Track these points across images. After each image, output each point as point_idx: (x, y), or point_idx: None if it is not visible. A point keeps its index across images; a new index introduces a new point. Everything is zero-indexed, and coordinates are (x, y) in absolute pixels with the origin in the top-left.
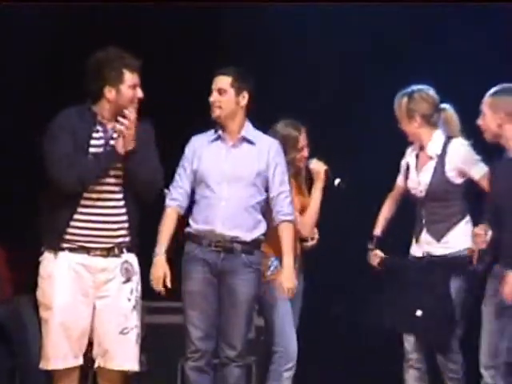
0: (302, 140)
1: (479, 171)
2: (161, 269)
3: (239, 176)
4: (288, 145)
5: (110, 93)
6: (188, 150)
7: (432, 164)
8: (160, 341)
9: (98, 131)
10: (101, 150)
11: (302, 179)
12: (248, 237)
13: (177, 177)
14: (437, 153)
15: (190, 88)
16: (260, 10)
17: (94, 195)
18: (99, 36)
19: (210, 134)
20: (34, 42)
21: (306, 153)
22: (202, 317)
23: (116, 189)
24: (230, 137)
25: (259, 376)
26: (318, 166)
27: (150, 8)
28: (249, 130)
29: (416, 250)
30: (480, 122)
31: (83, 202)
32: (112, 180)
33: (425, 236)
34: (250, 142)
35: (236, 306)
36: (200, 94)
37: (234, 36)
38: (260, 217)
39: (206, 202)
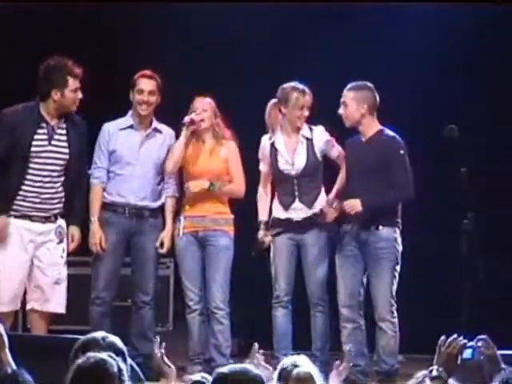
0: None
1: (336, 152)
2: (97, 235)
3: None
4: None
5: (56, 95)
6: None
7: (303, 147)
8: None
9: (42, 127)
10: (45, 143)
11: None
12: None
13: None
14: (307, 137)
15: None
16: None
17: (38, 178)
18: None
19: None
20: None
21: None
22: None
23: (56, 174)
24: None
25: None
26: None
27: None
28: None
29: (285, 215)
30: (342, 111)
31: (29, 183)
32: (54, 167)
33: (296, 204)
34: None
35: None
36: None
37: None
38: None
39: None
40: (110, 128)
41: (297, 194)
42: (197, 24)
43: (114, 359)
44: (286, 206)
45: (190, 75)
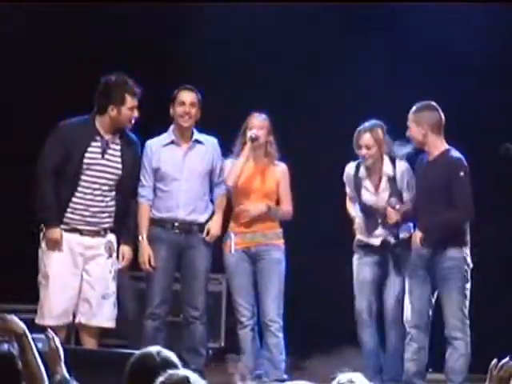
0: None
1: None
2: (146, 254)
3: None
4: None
5: (112, 111)
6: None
7: (385, 185)
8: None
9: (96, 140)
10: (98, 156)
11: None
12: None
13: None
14: (389, 174)
15: None
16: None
17: (89, 191)
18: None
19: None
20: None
21: None
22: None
23: (107, 188)
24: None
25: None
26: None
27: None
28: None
29: (373, 241)
30: (408, 133)
31: (80, 195)
32: (105, 181)
33: (380, 231)
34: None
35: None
36: None
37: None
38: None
39: None
40: (152, 145)
41: (379, 221)
42: (197, 24)
43: (196, 376)
44: (369, 232)
45: (190, 75)
